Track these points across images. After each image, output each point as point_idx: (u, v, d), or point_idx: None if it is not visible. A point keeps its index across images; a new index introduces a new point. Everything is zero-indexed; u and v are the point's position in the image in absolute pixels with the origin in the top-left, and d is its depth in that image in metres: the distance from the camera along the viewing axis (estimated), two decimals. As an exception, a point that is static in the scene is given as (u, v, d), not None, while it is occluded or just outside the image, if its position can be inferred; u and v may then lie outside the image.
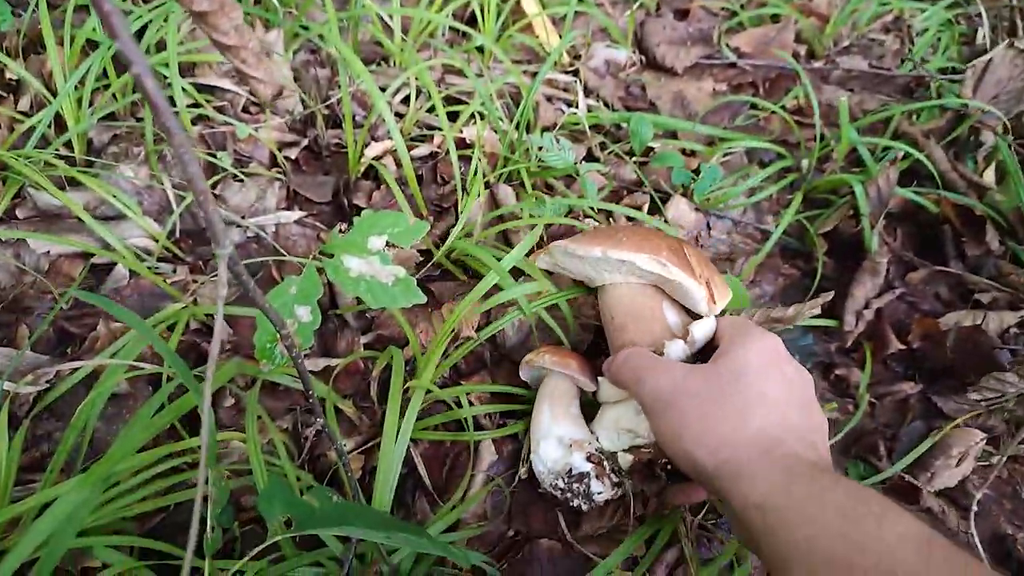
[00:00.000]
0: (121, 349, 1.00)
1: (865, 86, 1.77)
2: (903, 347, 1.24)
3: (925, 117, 1.60)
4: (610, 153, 1.51)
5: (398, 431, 0.95)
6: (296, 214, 1.26)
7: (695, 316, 1.04)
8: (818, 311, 1.22)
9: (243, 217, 1.24)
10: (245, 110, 1.37)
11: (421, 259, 1.25)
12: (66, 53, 1.23)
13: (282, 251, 1.20)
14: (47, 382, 0.98)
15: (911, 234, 1.45)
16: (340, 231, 1.26)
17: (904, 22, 1.95)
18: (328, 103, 1.42)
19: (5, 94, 1.29)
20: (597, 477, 0.92)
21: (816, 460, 0.72)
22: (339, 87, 1.42)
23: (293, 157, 1.35)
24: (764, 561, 0.68)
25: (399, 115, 1.47)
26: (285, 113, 1.38)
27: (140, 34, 1.32)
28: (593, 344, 1.15)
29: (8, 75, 1.30)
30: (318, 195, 1.33)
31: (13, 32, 1.31)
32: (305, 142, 1.37)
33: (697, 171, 1.44)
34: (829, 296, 1.26)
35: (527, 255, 1.14)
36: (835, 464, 1.03)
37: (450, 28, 1.63)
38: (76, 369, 1.00)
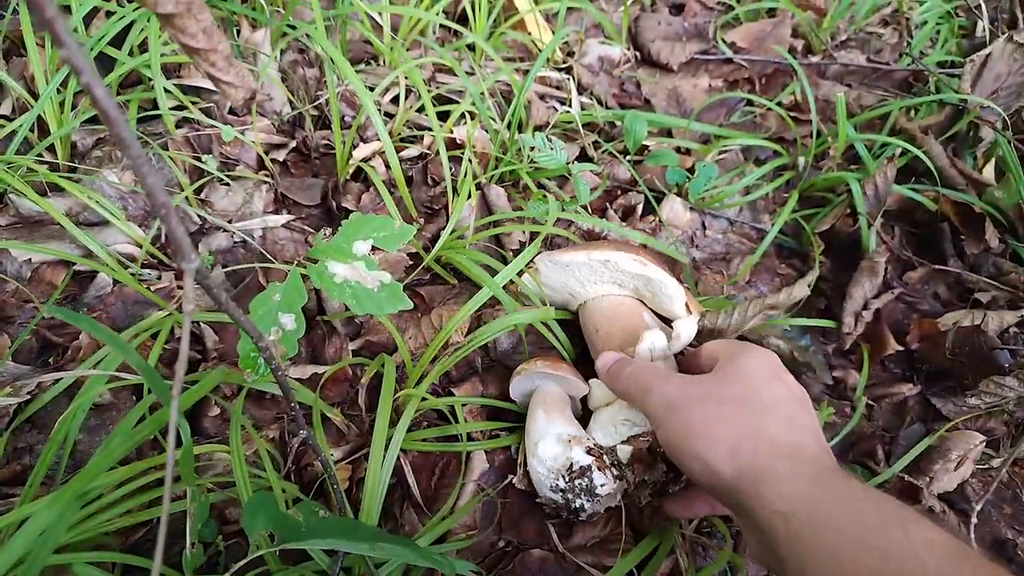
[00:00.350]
0: (104, 359, 0.98)
1: (863, 81, 1.74)
2: (901, 348, 1.22)
3: (923, 113, 1.58)
4: (604, 152, 1.49)
5: (388, 441, 0.93)
6: (284, 218, 1.24)
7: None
8: (807, 292, 1.21)
9: (229, 221, 1.22)
10: (232, 112, 1.35)
11: (411, 263, 1.23)
12: (48, 55, 1.21)
13: (269, 256, 1.18)
14: (28, 393, 0.96)
15: (909, 232, 1.43)
16: (325, 236, 1.24)
17: (903, 15, 1.92)
18: (317, 104, 1.39)
19: (-14, 98, 1.27)
20: (599, 469, 0.90)
21: (835, 466, 0.71)
22: (327, 87, 1.40)
23: (281, 159, 1.33)
24: (783, 573, 0.66)
25: (389, 115, 1.44)
26: (272, 114, 1.35)
27: (124, 34, 1.29)
28: (580, 357, 1.14)
29: (-11, 79, 1.27)
30: (307, 198, 1.31)
31: (-6, 34, 1.29)
32: (293, 144, 1.35)
33: (692, 170, 1.42)
34: (815, 275, 1.25)
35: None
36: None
37: (441, 26, 1.61)
38: (58, 380, 0.98)
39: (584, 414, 1.04)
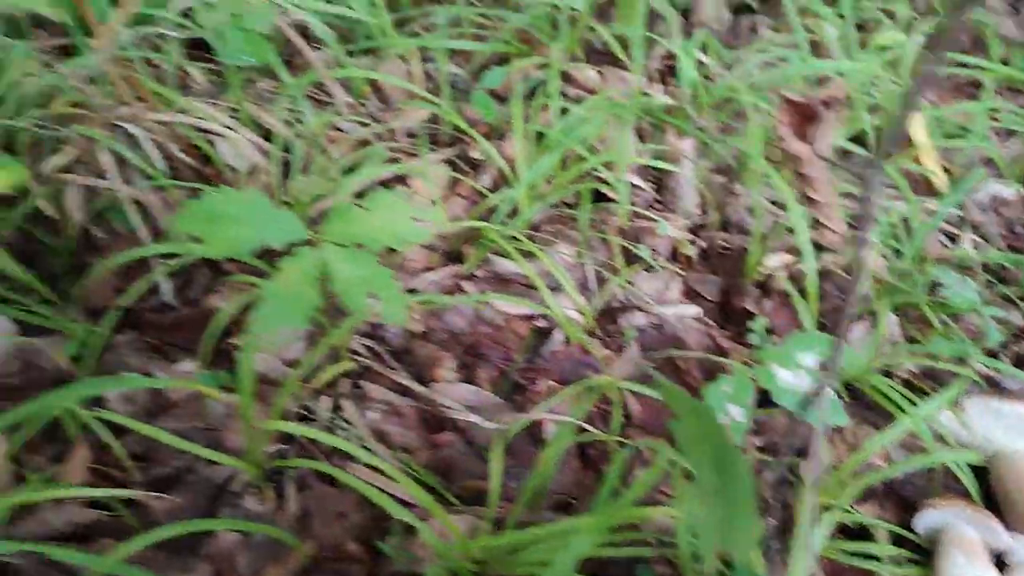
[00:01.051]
0: (558, 407, 1.19)
1: None
2: None
3: None
4: (998, 294, 1.47)
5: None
6: (696, 309, 1.40)
7: None
8: None
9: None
10: (650, 207, 1.56)
11: (811, 374, 1.32)
12: (530, 148, 1.49)
13: (684, 343, 1.34)
14: (504, 423, 1.20)
15: None
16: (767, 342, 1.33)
17: None
18: (723, 208, 1.56)
19: (468, 169, 1.59)
20: None
21: None
22: (733, 194, 1.57)
23: (688, 255, 1.50)
24: None
25: (788, 229, 1.56)
26: (686, 215, 1.54)
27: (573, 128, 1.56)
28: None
29: (472, 153, 1.60)
30: (707, 293, 1.46)
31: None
32: (700, 242, 1.52)
33: (1104, 331, 1.36)
34: None
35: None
36: None
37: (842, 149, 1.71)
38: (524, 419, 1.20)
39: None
